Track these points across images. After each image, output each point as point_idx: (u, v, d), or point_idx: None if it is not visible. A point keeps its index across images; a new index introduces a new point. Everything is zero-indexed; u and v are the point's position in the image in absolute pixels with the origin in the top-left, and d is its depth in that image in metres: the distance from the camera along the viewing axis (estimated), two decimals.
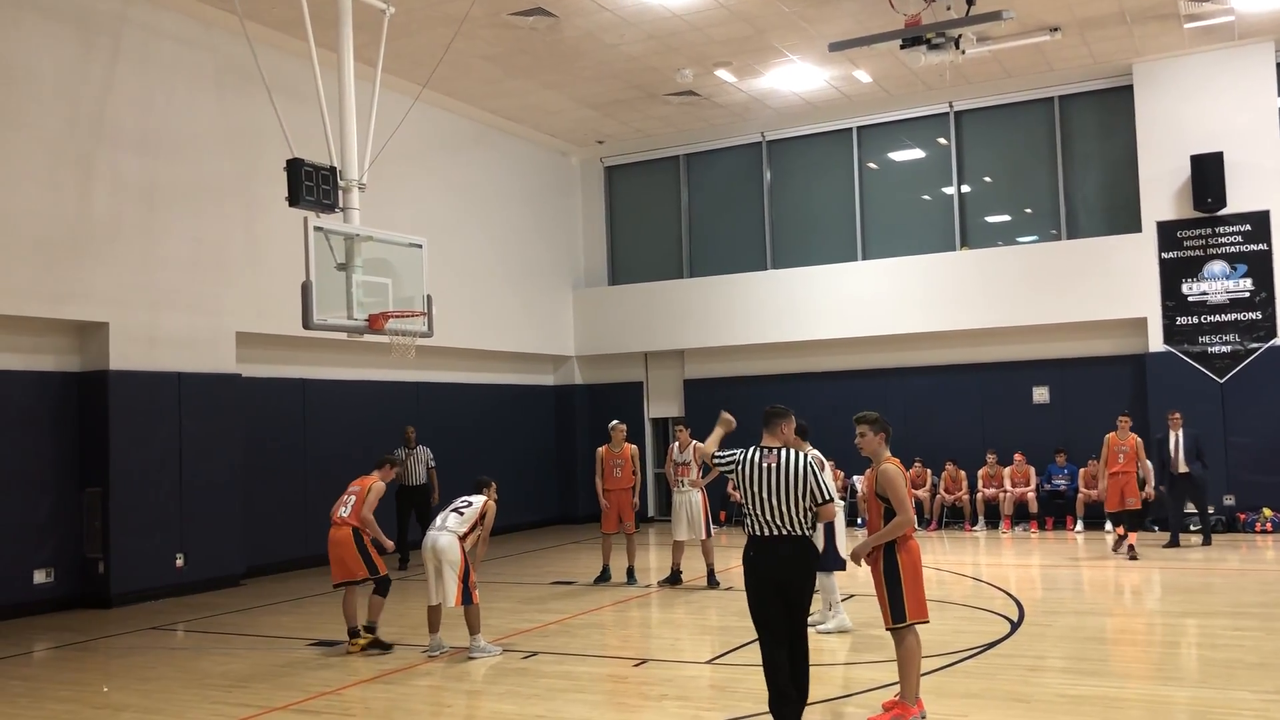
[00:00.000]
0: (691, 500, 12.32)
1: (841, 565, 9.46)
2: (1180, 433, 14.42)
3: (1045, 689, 7.35)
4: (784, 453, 6.21)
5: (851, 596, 10.92)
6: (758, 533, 6.19)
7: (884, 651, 8.54)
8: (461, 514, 9.09)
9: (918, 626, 6.53)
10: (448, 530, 8.98)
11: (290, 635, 10.26)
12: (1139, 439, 13.96)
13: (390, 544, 9.57)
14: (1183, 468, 14.31)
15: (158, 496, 12.71)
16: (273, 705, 7.58)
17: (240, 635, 10.42)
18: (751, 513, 6.22)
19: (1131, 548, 13.45)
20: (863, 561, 6.67)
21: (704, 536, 12.25)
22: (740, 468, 6.28)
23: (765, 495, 6.12)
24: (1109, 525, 15.29)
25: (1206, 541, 14.52)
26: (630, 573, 12.68)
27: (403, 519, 15.00)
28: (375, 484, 9.60)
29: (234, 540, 13.59)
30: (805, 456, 6.17)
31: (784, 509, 6.10)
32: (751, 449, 6.30)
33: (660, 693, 7.64)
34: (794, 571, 6.16)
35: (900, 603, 6.47)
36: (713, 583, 12.19)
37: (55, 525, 12.10)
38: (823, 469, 6.36)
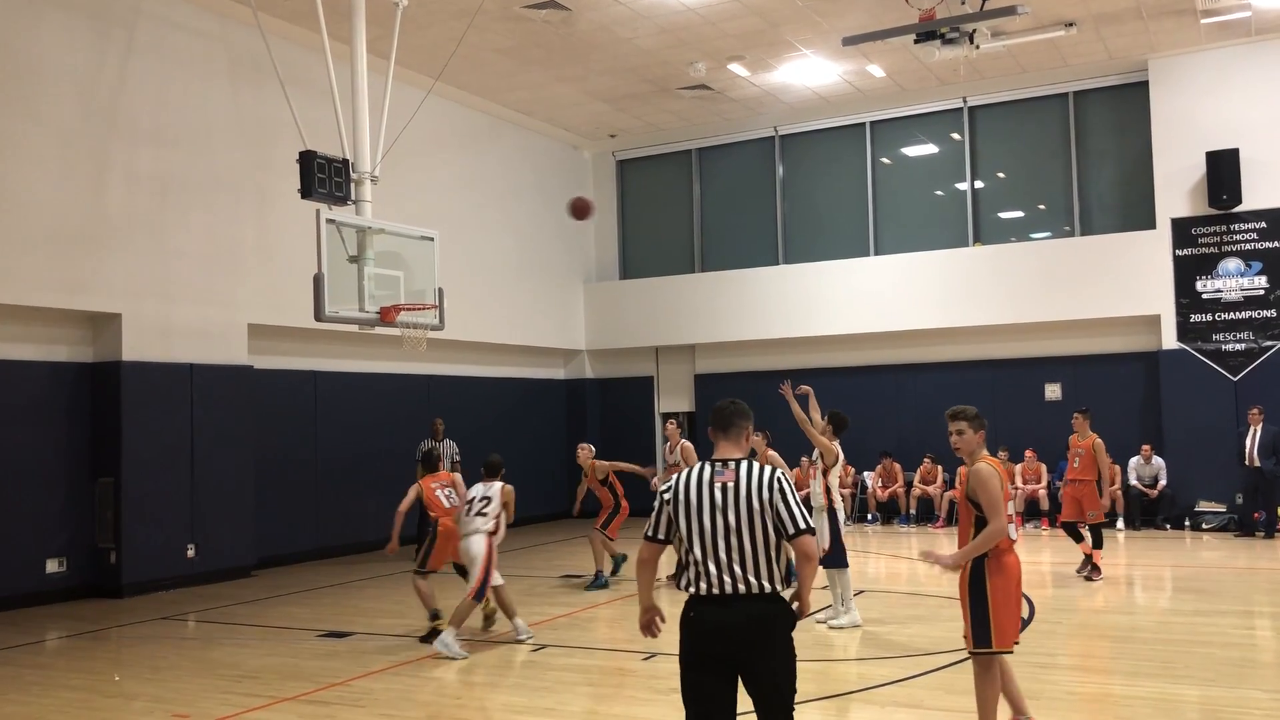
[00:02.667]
0: None
1: (846, 563, 9.46)
2: (1259, 428, 14.85)
3: (1055, 686, 7.33)
4: (743, 466, 4.34)
5: (862, 592, 10.91)
6: (704, 589, 4.26)
7: (893, 649, 8.54)
8: (485, 515, 9.18)
9: (1004, 656, 5.69)
10: (480, 532, 9.09)
11: (301, 626, 10.30)
12: (1098, 439, 12.17)
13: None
14: (1255, 462, 14.77)
15: (169, 487, 12.77)
16: (283, 695, 7.61)
17: (251, 626, 10.46)
18: (693, 558, 4.29)
19: (1095, 566, 11.76)
20: (939, 568, 5.76)
21: None
22: (677, 494, 4.36)
23: (715, 530, 4.24)
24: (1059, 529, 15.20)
25: (1269, 535, 14.86)
26: (617, 564, 12.34)
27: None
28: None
29: (245, 531, 13.65)
30: (774, 471, 4.34)
31: (744, 550, 4.22)
32: (697, 466, 4.44)
33: (669, 686, 7.61)
34: (761, 650, 4.21)
35: (986, 627, 5.55)
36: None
37: (68, 515, 12.17)
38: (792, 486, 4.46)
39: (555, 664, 8.47)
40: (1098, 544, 11.93)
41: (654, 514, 4.44)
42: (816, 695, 6.32)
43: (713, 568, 4.24)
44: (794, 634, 4.35)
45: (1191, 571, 12.59)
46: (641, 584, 4.62)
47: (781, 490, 4.29)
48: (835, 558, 9.34)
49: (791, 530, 4.26)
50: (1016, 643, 5.69)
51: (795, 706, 4.31)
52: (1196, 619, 9.70)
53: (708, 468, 4.38)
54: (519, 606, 10.93)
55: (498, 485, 9.35)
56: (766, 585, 4.21)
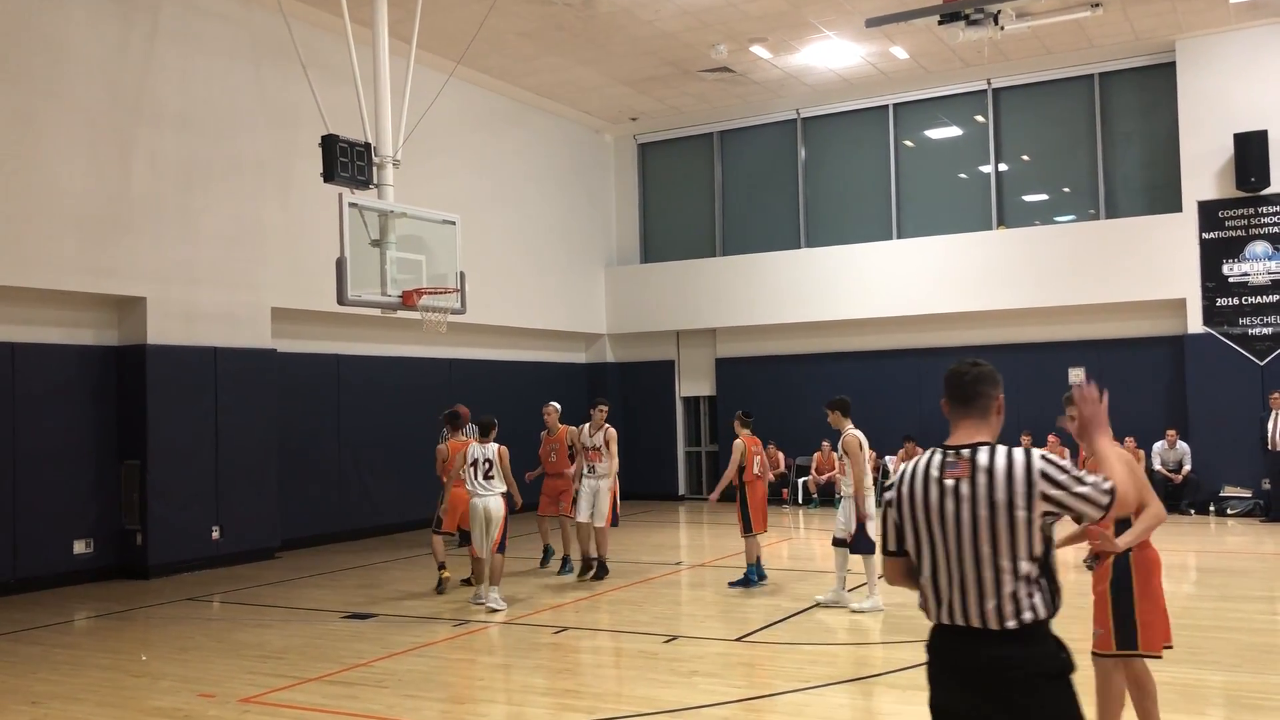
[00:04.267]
0: (600, 487, 11.25)
1: (873, 548, 9.45)
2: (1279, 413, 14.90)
3: (1079, 671, 7.27)
4: (983, 455, 3.15)
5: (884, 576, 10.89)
6: (941, 617, 3.19)
7: (918, 633, 8.52)
8: (492, 477, 9.91)
9: (1149, 661, 5.23)
10: (495, 494, 9.86)
11: (325, 608, 10.37)
12: None
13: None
14: (1277, 447, 14.80)
15: (194, 469, 12.87)
16: (307, 676, 7.67)
17: (275, 607, 10.54)
18: (925, 576, 3.23)
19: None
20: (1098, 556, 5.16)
21: (600, 523, 11.27)
22: (899, 492, 3.29)
23: (945, 542, 3.16)
24: None
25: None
26: (566, 561, 11.96)
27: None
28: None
29: (269, 513, 13.75)
30: (1029, 457, 3.10)
31: (982, 572, 3.09)
32: (927, 454, 3.28)
33: (690, 669, 7.65)
34: (1006, 703, 3.13)
35: (1130, 625, 5.09)
36: (594, 571, 11.44)
37: (94, 497, 12.29)
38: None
39: (577, 646, 8.50)
40: None
41: (882, 520, 3.40)
42: (840, 678, 6.34)
43: (945, 591, 3.17)
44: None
45: (1216, 557, 12.51)
46: None
47: (1049, 478, 3.07)
48: (864, 543, 9.35)
49: (1096, 515, 3.13)
50: (1169, 646, 5.24)
51: None
52: (1222, 604, 9.64)
53: (937, 456, 3.24)
54: (541, 590, 11.00)
55: (494, 446, 10.00)
56: (1010, 621, 3.09)
